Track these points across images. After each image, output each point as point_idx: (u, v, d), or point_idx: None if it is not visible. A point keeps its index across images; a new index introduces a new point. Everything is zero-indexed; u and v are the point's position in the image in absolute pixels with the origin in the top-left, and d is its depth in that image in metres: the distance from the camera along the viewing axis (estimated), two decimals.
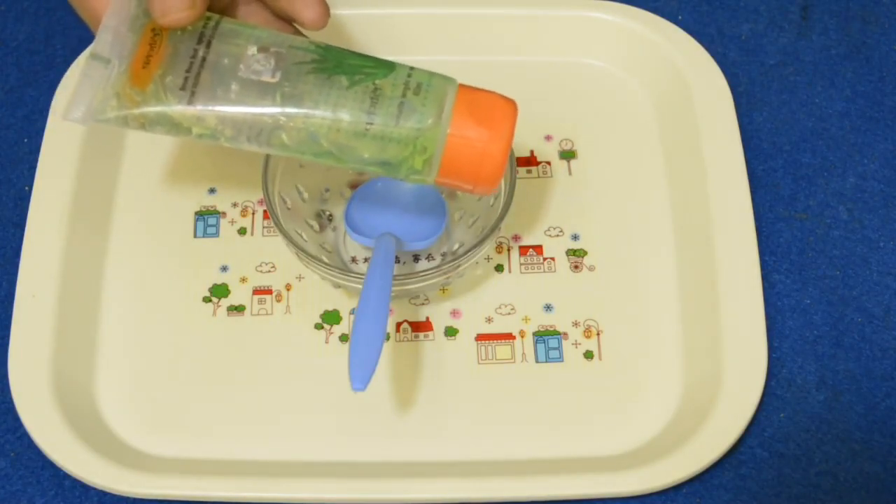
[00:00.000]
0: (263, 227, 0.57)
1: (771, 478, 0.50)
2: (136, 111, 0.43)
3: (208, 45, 0.43)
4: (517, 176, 0.51)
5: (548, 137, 0.59)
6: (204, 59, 0.43)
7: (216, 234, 0.56)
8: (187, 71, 0.43)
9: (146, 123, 0.43)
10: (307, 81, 0.43)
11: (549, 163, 0.58)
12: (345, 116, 0.43)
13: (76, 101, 0.42)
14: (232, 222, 0.57)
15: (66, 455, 0.48)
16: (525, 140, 0.59)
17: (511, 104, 0.44)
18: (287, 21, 0.48)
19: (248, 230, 0.56)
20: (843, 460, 0.51)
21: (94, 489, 0.49)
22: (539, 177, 0.58)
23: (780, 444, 0.51)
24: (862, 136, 0.59)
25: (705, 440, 0.49)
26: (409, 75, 0.44)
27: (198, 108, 0.43)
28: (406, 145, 0.43)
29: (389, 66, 0.44)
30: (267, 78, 0.43)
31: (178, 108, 0.43)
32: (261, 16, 0.48)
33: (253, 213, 0.57)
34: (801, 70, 0.62)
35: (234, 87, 0.43)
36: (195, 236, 0.56)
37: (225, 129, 0.43)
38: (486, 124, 0.43)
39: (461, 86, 0.44)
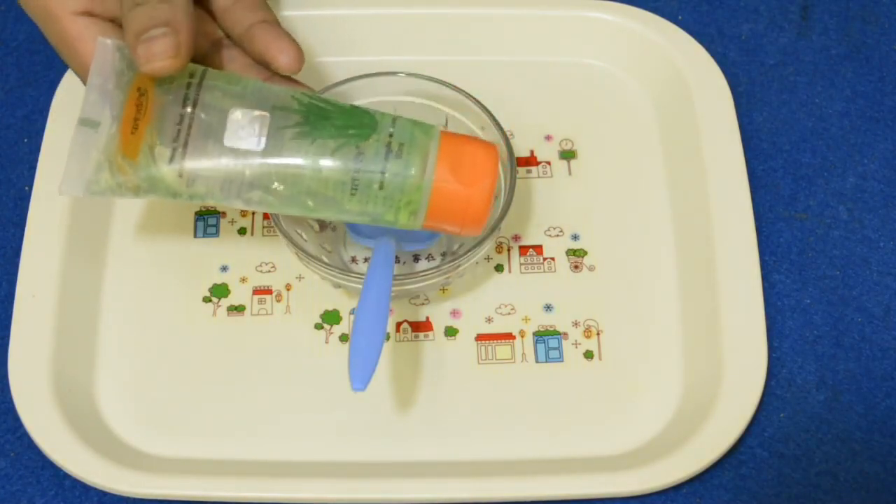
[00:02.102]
0: (263, 227, 0.57)
1: (771, 478, 0.50)
2: (129, 182, 0.44)
3: (194, 105, 0.44)
4: (517, 176, 0.51)
5: (548, 137, 0.59)
6: (190, 125, 0.43)
7: (216, 234, 0.56)
8: (174, 140, 0.43)
9: (139, 191, 0.44)
10: (290, 147, 0.44)
11: (549, 163, 0.58)
12: (329, 179, 0.44)
13: (70, 173, 0.43)
14: (232, 222, 0.57)
15: (66, 455, 0.48)
16: (525, 140, 0.59)
17: (492, 150, 0.46)
18: (265, 66, 0.48)
19: (248, 230, 0.56)
20: (843, 460, 0.51)
21: (94, 489, 0.49)
22: (539, 177, 0.58)
23: (780, 444, 0.51)
24: (862, 136, 0.59)
25: (705, 440, 0.49)
26: (391, 134, 0.44)
27: (188, 177, 0.44)
28: (391, 205, 0.45)
29: (372, 125, 0.45)
30: (252, 146, 0.44)
31: (169, 178, 0.44)
32: (241, 61, 0.49)
33: (253, 213, 0.57)
34: (801, 70, 0.62)
35: (220, 155, 0.44)
36: (195, 236, 0.56)
37: (214, 192, 0.44)
38: (469, 174, 0.45)
39: (443, 134, 0.45)
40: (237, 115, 0.44)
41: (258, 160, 0.44)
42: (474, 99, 0.52)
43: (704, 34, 0.62)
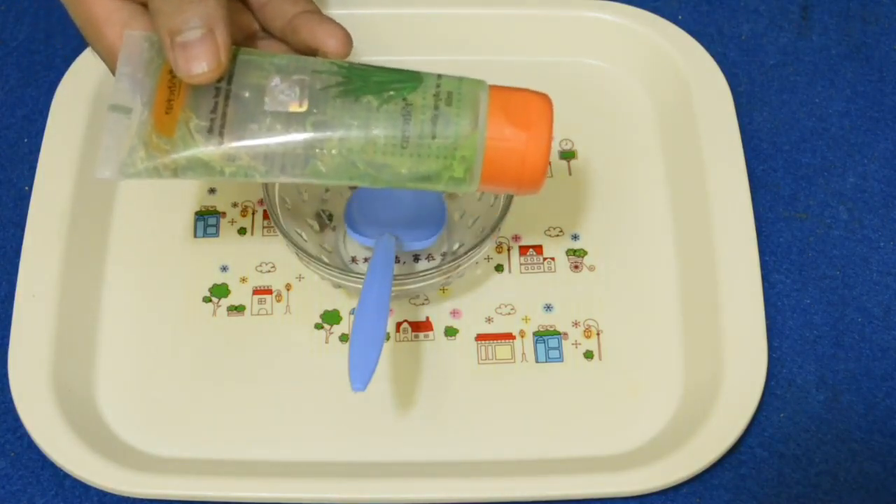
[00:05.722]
0: (263, 227, 0.57)
1: (771, 478, 0.50)
2: (166, 159, 0.41)
3: (229, 80, 0.42)
4: None
5: None
6: (227, 96, 0.41)
7: (216, 234, 0.56)
8: (212, 111, 0.41)
9: (178, 170, 0.42)
10: (335, 106, 0.41)
11: (549, 163, 0.58)
12: (379, 136, 0.41)
13: (104, 157, 0.41)
14: (232, 222, 0.57)
15: (66, 455, 0.48)
16: None
17: (546, 100, 0.43)
18: (311, 54, 0.46)
19: (248, 230, 0.56)
20: (843, 460, 0.51)
21: (94, 489, 0.49)
22: None
23: (780, 444, 0.51)
24: (862, 136, 0.59)
25: (705, 440, 0.49)
26: (438, 85, 0.42)
27: (228, 149, 0.41)
28: (445, 157, 0.42)
29: (417, 78, 0.43)
30: (294, 108, 0.41)
31: (208, 152, 0.41)
32: (279, 50, 0.47)
33: (253, 213, 0.57)
34: (801, 70, 0.62)
35: (262, 121, 0.41)
36: (195, 236, 0.56)
37: (258, 166, 0.42)
38: (524, 125, 0.42)
39: (492, 87, 0.43)
40: (276, 80, 0.42)
41: (302, 122, 0.41)
42: None
43: (704, 34, 0.62)
